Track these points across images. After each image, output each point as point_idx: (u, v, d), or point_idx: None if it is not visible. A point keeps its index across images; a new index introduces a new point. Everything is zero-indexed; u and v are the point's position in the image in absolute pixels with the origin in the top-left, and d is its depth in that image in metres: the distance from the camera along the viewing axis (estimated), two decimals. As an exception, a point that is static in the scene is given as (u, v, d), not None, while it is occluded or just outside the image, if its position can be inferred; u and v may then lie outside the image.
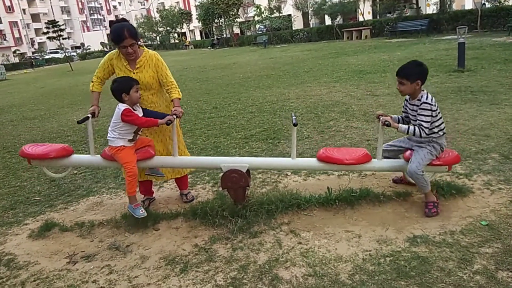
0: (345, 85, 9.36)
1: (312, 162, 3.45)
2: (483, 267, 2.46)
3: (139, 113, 3.28)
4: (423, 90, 3.12)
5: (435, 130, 3.12)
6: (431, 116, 3.05)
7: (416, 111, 3.11)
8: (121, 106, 3.17)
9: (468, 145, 4.52)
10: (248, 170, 3.40)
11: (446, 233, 2.87)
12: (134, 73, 3.37)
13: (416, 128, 3.06)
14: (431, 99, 3.07)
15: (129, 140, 3.27)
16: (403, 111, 3.36)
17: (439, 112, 3.13)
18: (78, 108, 10.76)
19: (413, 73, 3.07)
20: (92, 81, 3.53)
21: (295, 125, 3.19)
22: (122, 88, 3.17)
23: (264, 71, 14.22)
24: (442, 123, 3.16)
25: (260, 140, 5.65)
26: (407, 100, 3.28)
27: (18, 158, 6.20)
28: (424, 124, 3.04)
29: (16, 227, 3.71)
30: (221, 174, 3.36)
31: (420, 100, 3.08)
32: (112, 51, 3.50)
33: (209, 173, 4.53)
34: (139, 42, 3.42)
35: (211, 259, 2.86)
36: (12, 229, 3.68)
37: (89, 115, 3.42)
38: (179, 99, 3.46)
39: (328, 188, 3.54)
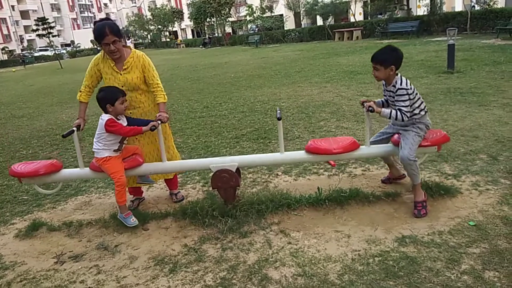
0: (336, 85, 9.40)
1: (300, 154, 3.45)
2: (470, 267, 2.48)
3: (123, 122, 3.23)
4: (397, 75, 3.12)
5: (416, 111, 3.13)
6: (409, 99, 3.06)
7: (393, 97, 3.12)
8: (104, 117, 3.13)
9: (456, 146, 4.56)
10: (238, 170, 3.39)
11: (434, 233, 2.89)
12: (121, 74, 3.34)
13: (398, 112, 3.06)
14: (406, 83, 3.07)
15: (115, 150, 3.24)
16: (384, 95, 3.37)
17: (416, 93, 3.13)
18: (67, 106, 10.66)
19: (387, 59, 3.07)
20: (80, 91, 3.48)
21: (279, 119, 3.20)
22: (107, 98, 3.12)
23: (255, 70, 14.22)
24: (422, 102, 3.16)
25: (251, 140, 5.64)
26: (384, 85, 3.29)
27: (6, 156, 6.13)
28: (404, 109, 3.05)
29: (3, 227, 3.66)
30: (212, 174, 3.35)
31: (395, 86, 3.09)
32: (96, 55, 3.45)
33: (200, 173, 4.52)
34: (128, 43, 3.39)
35: (201, 259, 2.85)
36: (-2, 229, 3.63)
37: (74, 129, 3.35)
38: (165, 103, 3.44)
39: (318, 188, 3.55)
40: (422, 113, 3.16)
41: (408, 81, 3.11)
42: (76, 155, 3.52)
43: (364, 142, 3.40)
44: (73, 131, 3.34)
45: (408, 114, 3.07)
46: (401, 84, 3.06)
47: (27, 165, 3.47)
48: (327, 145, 3.32)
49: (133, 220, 3.26)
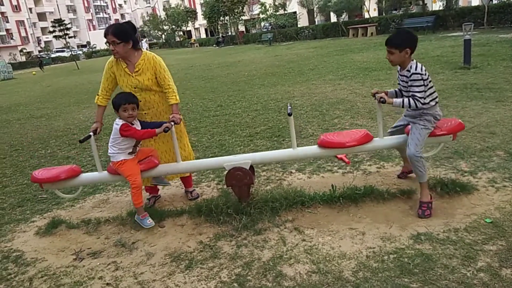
0: (350, 82, 9.35)
1: (313, 149, 3.43)
2: (487, 264, 2.46)
3: (137, 126, 3.28)
4: (412, 60, 3.07)
5: (427, 100, 3.06)
6: (424, 85, 3.01)
7: (407, 82, 3.07)
8: (119, 122, 3.18)
9: (473, 142, 4.50)
10: (252, 168, 3.41)
11: (450, 230, 2.86)
12: (133, 76, 3.40)
13: (411, 99, 3.01)
14: (421, 68, 3.01)
15: (129, 153, 3.29)
16: (398, 83, 3.31)
17: (430, 81, 3.07)
18: (84, 106, 10.83)
19: (401, 41, 3.03)
20: (98, 94, 3.56)
21: (289, 115, 3.19)
22: (114, 104, 3.18)
23: (269, 69, 14.22)
24: (434, 91, 3.10)
25: (264, 138, 5.66)
26: (398, 71, 3.24)
27: (26, 156, 6.27)
28: (418, 95, 2.99)
29: (23, 224, 3.76)
30: (226, 172, 3.38)
31: (409, 70, 3.03)
32: (110, 59, 3.52)
33: (214, 171, 4.56)
34: (144, 42, 3.44)
35: (216, 256, 2.89)
36: (19, 226, 3.73)
37: (91, 134, 3.41)
38: (177, 104, 3.49)
39: (332, 185, 3.55)
40: (432, 103, 3.09)
41: (424, 67, 3.05)
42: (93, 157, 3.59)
43: (377, 134, 3.37)
44: (89, 136, 3.39)
45: (422, 101, 3.00)
46: (416, 69, 3.00)
47: (47, 171, 3.54)
48: (339, 138, 3.30)
49: (149, 222, 3.31)
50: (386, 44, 3.11)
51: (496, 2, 21.81)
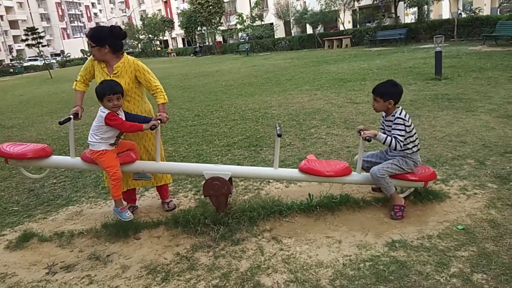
0: (326, 92, 9.49)
1: (293, 173, 3.50)
2: (459, 270, 2.52)
3: (122, 116, 3.23)
4: (398, 107, 3.25)
5: (409, 146, 3.26)
6: (405, 130, 3.18)
7: (391, 126, 3.24)
8: (105, 110, 3.12)
9: (444, 151, 4.63)
10: (230, 178, 3.41)
11: (423, 237, 2.93)
12: (110, 77, 3.36)
13: (393, 139, 3.16)
14: (405, 115, 3.21)
15: (111, 144, 3.23)
16: (380, 128, 3.47)
17: (413, 129, 3.26)
18: (57, 116, 10.58)
19: (387, 93, 3.21)
20: (76, 80, 3.53)
21: (279, 136, 3.22)
22: (98, 93, 3.12)
23: (246, 79, 14.29)
24: (417, 139, 3.30)
25: (242, 148, 5.67)
26: (383, 117, 3.41)
27: (-5, 167, 6.06)
28: (400, 138, 3.16)
29: (-7, 238, 3.63)
30: (203, 181, 3.37)
31: (394, 115, 3.22)
32: None
33: (191, 181, 4.53)
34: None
35: (193, 267, 2.85)
36: (-12, 240, 3.60)
37: (71, 116, 3.35)
38: (164, 104, 3.47)
39: (309, 194, 3.58)
40: (415, 149, 3.28)
41: (408, 115, 3.24)
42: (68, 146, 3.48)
43: (356, 168, 3.46)
44: (69, 118, 3.32)
45: (401, 144, 3.16)
46: (399, 114, 3.19)
47: (16, 146, 3.42)
48: (320, 167, 3.37)
49: (128, 215, 3.25)
50: (372, 92, 3.29)
51: (465, 16, 22.63)
